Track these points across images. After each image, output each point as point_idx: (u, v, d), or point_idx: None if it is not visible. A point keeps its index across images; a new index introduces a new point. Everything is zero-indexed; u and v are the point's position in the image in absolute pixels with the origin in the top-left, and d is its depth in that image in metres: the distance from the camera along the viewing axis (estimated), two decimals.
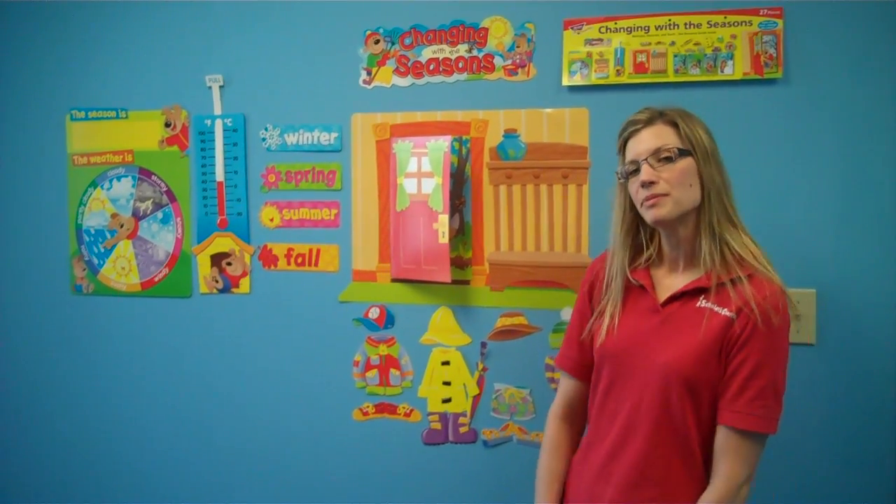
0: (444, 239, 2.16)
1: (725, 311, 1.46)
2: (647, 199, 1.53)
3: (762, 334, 1.43)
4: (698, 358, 1.47)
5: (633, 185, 1.57)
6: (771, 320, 1.43)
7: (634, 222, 1.65)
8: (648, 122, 1.56)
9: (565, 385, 1.79)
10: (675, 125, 1.54)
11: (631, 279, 1.63)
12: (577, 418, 1.79)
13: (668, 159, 1.52)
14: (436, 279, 2.21)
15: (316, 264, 2.38)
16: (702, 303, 1.50)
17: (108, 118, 2.52)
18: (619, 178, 1.63)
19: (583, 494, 1.65)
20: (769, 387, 1.43)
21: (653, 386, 1.52)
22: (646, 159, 1.53)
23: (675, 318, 1.53)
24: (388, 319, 2.34)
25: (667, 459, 1.52)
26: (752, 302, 1.44)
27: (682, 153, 1.52)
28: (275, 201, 2.40)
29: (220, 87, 2.41)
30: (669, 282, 1.58)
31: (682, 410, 1.49)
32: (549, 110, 2.18)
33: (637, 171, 1.55)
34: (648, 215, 1.55)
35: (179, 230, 2.48)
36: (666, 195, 1.52)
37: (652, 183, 1.52)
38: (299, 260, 2.39)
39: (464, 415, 2.30)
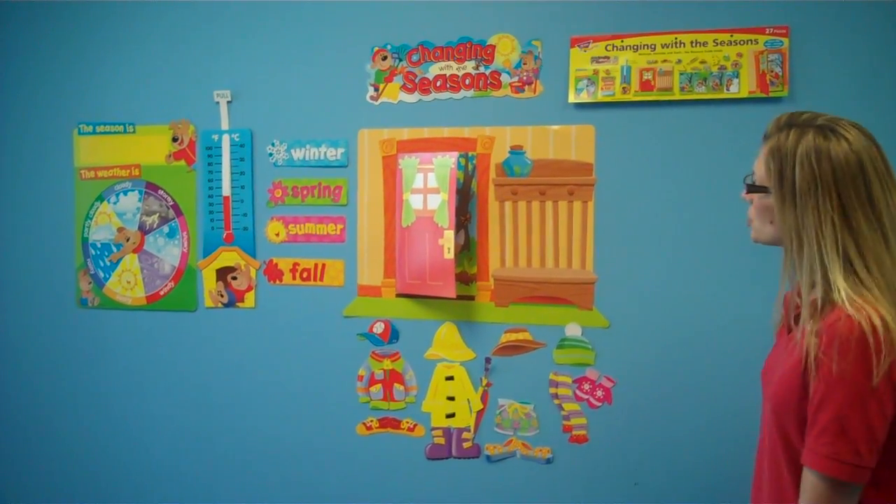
0: (450, 255, 2.16)
1: (812, 333, 1.29)
2: None
3: (828, 363, 1.25)
4: (786, 382, 1.35)
5: None
6: (835, 349, 1.24)
7: None
8: (765, 137, 1.44)
9: None
10: (774, 153, 1.39)
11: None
12: None
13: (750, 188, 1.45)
14: (441, 294, 2.21)
15: (321, 279, 2.38)
16: (808, 324, 1.33)
17: (115, 132, 2.53)
18: None
19: None
20: (834, 422, 1.25)
21: (765, 414, 1.46)
22: (746, 178, 1.48)
23: (793, 340, 1.39)
24: (392, 334, 2.34)
25: (768, 489, 1.45)
26: (824, 325, 1.27)
27: (755, 189, 1.44)
28: (281, 216, 2.40)
29: (228, 102, 2.42)
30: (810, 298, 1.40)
31: (775, 440, 1.40)
32: (555, 127, 2.19)
33: None
34: None
35: (185, 244, 2.49)
36: (752, 220, 1.47)
37: (751, 202, 1.47)
38: (304, 274, 2.39)
39: (467, 430, 2.30)
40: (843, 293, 1.28)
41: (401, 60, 2.29)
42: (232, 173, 2.43)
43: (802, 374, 1.30)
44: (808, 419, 1.30)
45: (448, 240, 2.16)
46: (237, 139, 2.42)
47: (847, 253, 1.30)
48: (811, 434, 1.28)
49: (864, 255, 1.30)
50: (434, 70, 2.27)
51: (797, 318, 1.39)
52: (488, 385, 2.28)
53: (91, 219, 2.57)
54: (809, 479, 1.29)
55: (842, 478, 1.25)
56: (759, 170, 1.42)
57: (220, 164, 2.44)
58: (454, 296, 2.19)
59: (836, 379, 1.24)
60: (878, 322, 1.24)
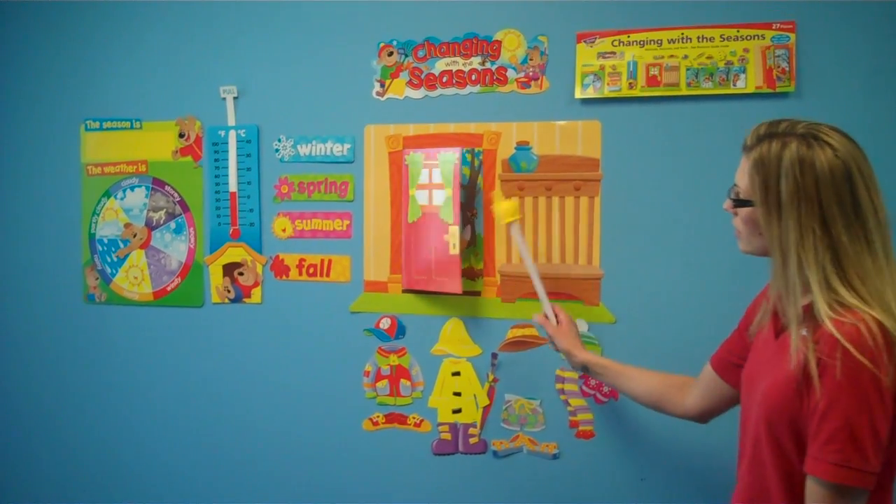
0: (455, 250, 2.16)
1: (811, 342, 1.30)
2: None
3: (834, 370, 1.24)
4: (779, 390, 1.34)
5: None
6: (839, 356, 1.24)
7: None
8: (746, 149, 1.44)
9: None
10: (758, 165, 1.38)
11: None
12: (682, 389, 1.82)
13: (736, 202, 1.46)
14: (446, 290, 2.21)
15: (327, 275, 2.39)
16: (802, 331, 1.34)
17: (122, 128, 2.53)
18: None
19: None
20: (843, 430, 1.23)
21: (752, 418, 1.45)
22: (730, 190, 1.48)
23: (782, 348, 1.39)
24: (399, 330, 2.35)
25: (748, 489, 1.46)
26: (829, 331, 1.26)
27: (740, 203, 1.44)
28: (287, 212, 2.41)
29: (234, 98, 2.42)
30: (788, 309, 1.42)
31: (763, 444, 1.40)
32: (561, 123, 2.19)
33: None
34: None
35: (192, 240, 2.50)
36: (740, 233, 1.49)
37: (736, 214, 1.48)
38: (311, 270, 2.40)
39: (474, 425, 2.30)
40: (831, 302, 1.29)
41: (407, 56, 2.29)
42: (238, 169, 2.43)
43: (799, 382, 1.30)
44: (808, 428, 1.29)
45: (453, 235, 2.16)
46: (243, 135, 2.42)
47: (824, 264, 1.30)
48: (816, 443, 1.27)
49: (843, 266, 1.30)
50: (440, 66, 2.27)
51: (784, 327, 1.40)
52: (495, 381, 2.28)
53: (98, 214, 2.57)
54: (818, 489, 1.28)
55: (853, 484, 1.25)
56: (743, 182, 1.43)
57: (227, 159, 2.44)
58: (459, 291, 2.19)
59: (843, 386, 1.24)
60: (875, 328, 1.24)
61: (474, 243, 2.26)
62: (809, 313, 1.33)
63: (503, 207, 2.06)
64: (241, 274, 2.45)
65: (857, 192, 1.32)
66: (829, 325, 1.27)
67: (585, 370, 1.98)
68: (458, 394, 2.31)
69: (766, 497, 1.40)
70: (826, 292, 1.30)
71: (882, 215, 1.34)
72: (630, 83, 2.11)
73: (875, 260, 1.32)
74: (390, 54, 2.31)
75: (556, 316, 2.07)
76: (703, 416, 1.80)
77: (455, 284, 2.19)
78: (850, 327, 1.25)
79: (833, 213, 1.31)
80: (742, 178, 1.43)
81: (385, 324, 2.35)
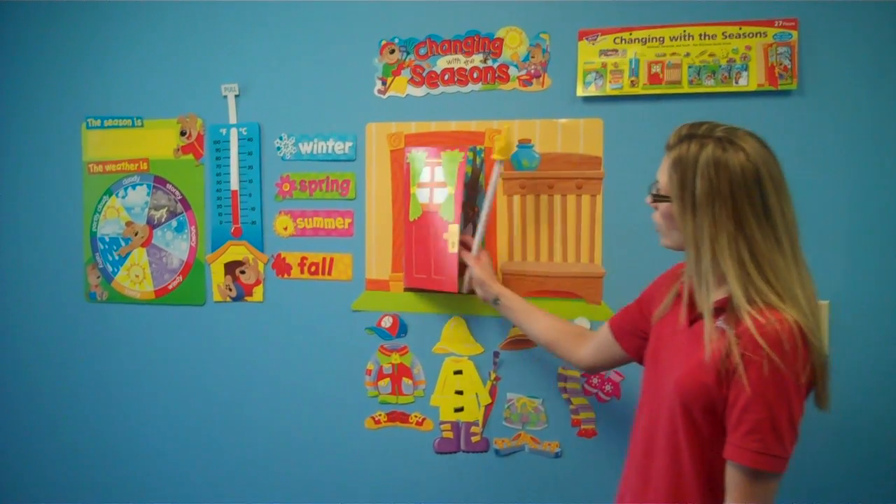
0: (454, 248, 2.16)
1: (732, 335, 1.40)
2: None
3: (757, 364, 1.35)
4: (695, 378, 1.44)
5: None
6: (768, 350, 1.35)
7: None
8: (668, 148, 1.54)
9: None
10: (676, 164, 1.48)
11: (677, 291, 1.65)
12: (578, 339, 1.98)
13: (655, 197, 1.56)
14: (445, 289, 2.20)
15: (329, 273, 2.38)
16: (719, 323, 1.44)
17: (123, 126, 2.53)
18: None
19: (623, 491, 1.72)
20: (765, 421, 1.35)
21: (664, 402, 1.52)
22: (651, 186, 1.59)
23: (696, 336, 1.49)
24: (400, 328, 2.35)
25: (662, 482, 1.54)
26: (752, 330, 1.37)
27: (659, 198, 1.55)
28: (289, 210, 2.40)
29: (236, 96, 2.42)
30: (701, 300, 1.51)
31: (679, 430, 1.48)
32: (563, 121, 2.18)
33: None
34: None
35: (193, 238, 2.49)
36: (659, 227, 1.59)
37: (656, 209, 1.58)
38: (313, 269, 2.40)
39: (476, 424, 2.30)
40: (749, 295, 1.41)
41: (408, 54, 2.29)
42: (240, 167, 2.43)
43: (719, 373, 1.41)
44: (728, 416, 1.41)
45: (452, 234, 2.16)
46: (245, 133, 2.42)
47: (742, 260, 1.41)
48: (738, 432, 1.38)
49: (758, 262, 1.41)
50: (442, 63, 2.27)
51: (698, 316, 1.50)
52: (497, 379, 2.28)
53: (99, 213, 2.57)
54: (739, 475, 1.40)
55: (774, 470, 1.38)
56: (663, 179, 1.53)
57: (228, 158, 2.44)
58: (456, 291, 2.18)
59: (766, 381, 1.36)
60: (795, 328, 1.37)
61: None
62: (728, 306, 1.44)
63: (501, 144, 2.12)
64: (242, 272, 2.45)
65: (767, 194, 1.42)
66: (749, 324, 1.37)
67: (496, 302, 2.11)
68: (459, 392, 2.31)
69: (681, 475, 1.50)
70: (743, 284, 1.41)
71: (790, 217, 1.45)
72: (632, 81, 2.11)
73: (784, 258, 1.43)
74: (392, 52, 2.30)
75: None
76: (593, 369, 2.02)
77: (451, 284, 2.18)
78: (772, 328, 1.36)
79: (746, 212, 1.41)
80: (662, 175, 1.53)
81: (387, 322, 2.35)
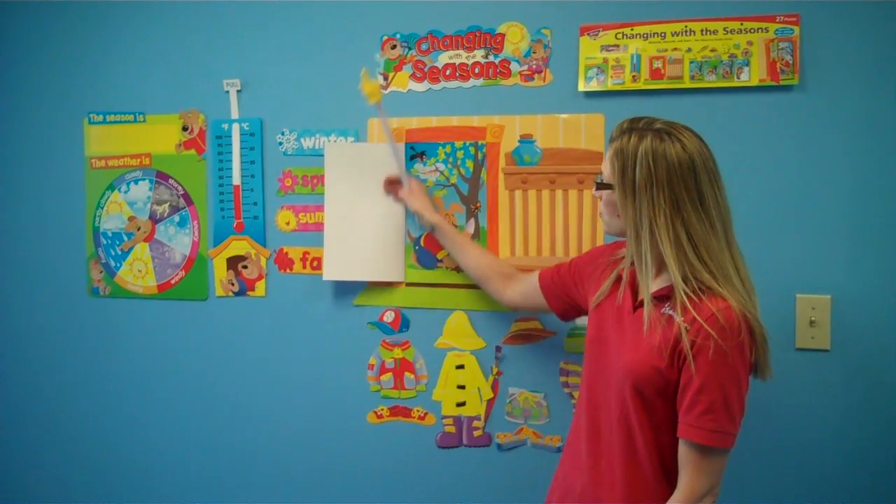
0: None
1: (681, 321, 1.49)
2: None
3: (708, 350, 1.45)
4: (647, 363, 1.53)
5: None
6: (718, 336, 1.45)
7: None
8: (610, 140, 1.63)
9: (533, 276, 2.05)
10: (617, 153, 1.58)
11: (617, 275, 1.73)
12: (507, 280, 2.12)
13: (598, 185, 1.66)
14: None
15: None
16: (666, 309, 1.54)
17: (125, 122, 2.53)
18: None
19: (560, 481, 1.82)
20: (719, 402, 1.46)
21: (613, 386, 1.61)
22: (596, 177, 1.70)
23: (641, 321, 1.58)
24: (402, 323, 2.35)
25: (616, 460, 1.61)
26: (700, 317, 1.47)
27: (602, 186, 1.64)
28: (291, 205, 2.41)
29: (238, 91, 2.42)
30: (649, 284, 1.61)
31: (630, 411, 1.56)
32: (564, 116, 2.18)
33: None
34: None
35: (196, 233, 2.50)
36: (602, 214, 1.69)
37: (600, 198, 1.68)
38: (315, 263, 2.40)
39: (478, 418, 2.31)
40: (688, 279, 1.50)
41: (410, 49, 2.29)
42: (242, 162, 2.44)
43: (672, 357, 1.50)
44: (681, 397, 1.51)
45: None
46: (247, 128, 2.43)
47: (679, 240, 1.50)
48: (693, 412, 1.48)
49: (695, 243, 1.51)
50: (443, 59, 2.27)
51: (642, 302, 1.59)
52: (499, 374, 2.29)
53: (102, 208, 2.57)
54: (693, 452, 1.50)
55: (726, 447, 1.50)
56: (606, 169, 1.63)
57: (231, 153, 2.44)
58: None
59: (717, 364, 1.46)
60: (738, 312, 1.47)
61: (478, 236, 2.26)
62: (672, 293, 1.53)
63: (369, 88, 2.18)
64: (245, 267, 2.46)
65: (701, 183, 1.52)
66: (696, 312, 1.47)
67: (433, 230, 2.23)
68: (462, 387, 2.31)
69: (634, 454, 1.58)
70: (680, 262, 1.51)
71: (723, 204, 1.55)
72: (633, 76, 2.11)
73: (718, 240, 1.52)
74: (393, 47, 2.30)
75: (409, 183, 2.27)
76: (515, 309, 2.19)
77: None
78: (717, 315, 1.46)
79: (682, 198, 1.50)
80: (605, 165, 1.64)
81: (389, 317, 2.36)
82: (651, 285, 1.57)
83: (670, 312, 1.53)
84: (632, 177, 1.53)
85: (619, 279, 1.71)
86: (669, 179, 1.50)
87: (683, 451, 1.51)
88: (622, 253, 1.74)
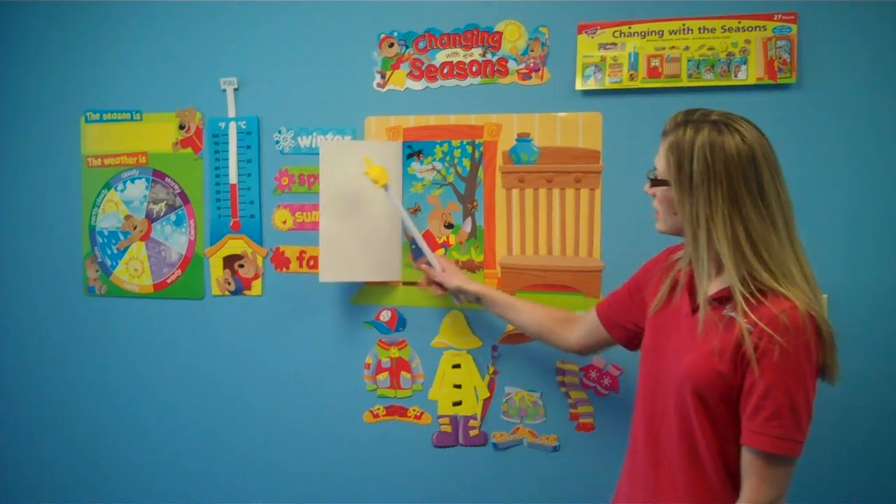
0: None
1: (743, 323, 1.41)
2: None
3: (773, 352, 1.38)
4: (708, 367, 1.45)
5: None
6: (783, 338, 1.37)
7: None
8: (664, 134, 1.56)
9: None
10: (673, 148, 1.51)
11: (673, 278, 1.66)
12: (568, 324, 2.00)
13: (653, 182, 1.58)
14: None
15: None
16: (727, 311, 1.47)
17: (122, 120, 2.53)
18: None
19: (622, 494, 1.75)
20: (785, 407, 1.38)
21: (672, 392, 1.53)
22: (649, 173, 1.60)
23: (702, 323, 1.50)
24: (399, 322, 2.35)
25: (677, 467, 1.54)
26: (763, 319, 1.39)
27: (657, 182, 1.56)
28: (287, 204, 2.40)
29: (235, 89, 2.42)
30: (706, 285, 1.53)
31: (692, 417, 1.49)
32: (562, 114, 2.18)
33: None
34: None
35: (192, 232, 2.49)
36: (658, 213, 1.61)
37: (654, 196, 1.60)
38: (311, 262, 2.39)
39: (474, 418, 2.30)
40: (746, 279, 1.43)
41: (407, 47, 2.29)
42: (239, 161, 2.43)
43: (732, 360, 1.43)
44: (745, 403, 1.43)
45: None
46: (244, 127, 2.42)
47: (738, 239, 1.43)
48: (757, 418, 1.40)
49: (753, 241, 1.43)
50: (441, 57, 2.27)
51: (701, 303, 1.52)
52: (495, 373, 2.28)
53: (98, 206, 2.57)
54: (758, 460, 1.41)
55: (793, 454, 1.41)
56: (660, 164, 1.55)
57: (227, 151, 2.44)
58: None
59: (783, 368, 1.38)
60: (803, 312, 1.39)
61: (475, 235, 2.26)
62: (731, 294, 1.45)
63: (374, 173, 2.15)
64: (241, 266, 2.45)
65: (762, 175, 1.44)
66: (759, 314, 1.40)
67: (478, 301, 2.12)
68: (458, 386, 2.31)
69: (698, 462, 1.50)
70: (737, 263, 1.43)
71: (784, 198, 1.47)
72: (631, 74, 2.11)
73: (779, 237, 1.45)
74: (391, 45, 2.30)
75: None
76: (584, 352, 2.01)
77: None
78: (781, 316, 1.38)
79: (741, 192, 1.43)
80: (659, 160, 1.55)
81: (385, 316, 2.35)
82: (710, 286, 1.50)
83: (731, 314, 1.45)
84: (689, 171, 1.47)
85: (675, 283, 1.64)
86: (728, 173, 1.43)
87: (747, 458, 1.43)
88: (677, 255, 1.68)
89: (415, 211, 2.30)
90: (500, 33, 2.22)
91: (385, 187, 2.15)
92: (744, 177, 1.43)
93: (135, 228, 2.54)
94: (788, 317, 1.38)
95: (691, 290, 1.57)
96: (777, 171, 1.47)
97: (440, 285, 2.19)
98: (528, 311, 2.06)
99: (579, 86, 2.15)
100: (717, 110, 1.52)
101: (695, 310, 1.54)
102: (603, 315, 1.89)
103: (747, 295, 1.42)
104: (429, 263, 2.21)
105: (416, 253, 2.29)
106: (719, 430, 1.47)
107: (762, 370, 1.39)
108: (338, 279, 2.32)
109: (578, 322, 1.98)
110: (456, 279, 2.15)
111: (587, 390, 2.22)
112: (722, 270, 1.48)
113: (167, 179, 2.51)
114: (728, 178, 1.43)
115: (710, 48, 2.05)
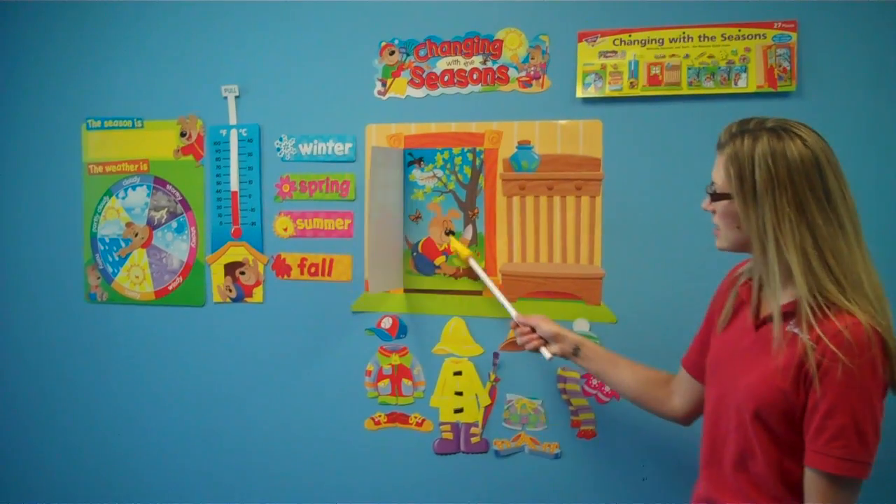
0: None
1: (806, 340, 1.36)
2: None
3: (836, 370, 1.32)
4: (771, 384, 1.41)
5: None
6: (846, 355, 1.32)
7: None
8: (719, 147, 1.51)
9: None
10: (732, 159, 1.45)
11: (736, 293, 1.62)
12: (667, 385, 1.87)
13: (713, 196, 1.53)
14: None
15: (329, 274, 2.38)
16: (790, 327, 1.42)
17: (123, 127, 2.54)
18: None
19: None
20: (849, 427, 1.32)
21: (733, 410, 1.49)
22: (707, 187, 1.55)
23: (764, 340, 1.47)
24: (400, 329, 2.35)
25: (739, 485, 1.50)
26: (826, 334, 1.34)
27: (718, 197, 1.51)
28: (289, 211, 2.41)
29: (236, 97, 2.42)
30: (770, 300, 1.48)
31: (752, 437, 1.45)
32: (562, 122, 2.18)
33: None
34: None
35: (193, 239, 2.50)
36: (718, 229, 1.55)
37: (714, 211, 1.54)
38: (312, 270, 2.40)
39: (475, 425, 2.30)
40: (814, 293, 1.37)
41: (408, 55, 2.29)
42: (240, 168, 2.44)
43: (796, 379, 1.38)
44: (808, 422, 1.38)
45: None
46: (245, 134, 2.42)
47: (805, 248, 1.38)
48: (820, 438, 1.35)
49: (821, 249, 1.38)
50: (441, 65, 2.27)
51: (766, 317, 1.47)
52: (496, 380, 2.28)
53: (99, 214, 2.57)
54: (822, 482, 1.36)
55: (858, 476, 1.35)
56: (719, 177, 1.50)
57: (229, 159, 2.44)
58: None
59: (847, 386, 1.32)
60: (868, 329, 1.33)
61: (476, 242, 2.26)
62: (797, 309, 1.40)
63: (461, 247, 2.20)
64: (242, 273, 2.45)
65: (827, 179, 1.39)
66: (824, 330, 1.34)
67: (576, 353, 1.96)
68: (459, 393, 2.31)
69: (758, 483, 1.46)
70: (805, 274, 1.38)
71: (850, 202, 1.42)
72: (631, 82, 2.11)
73: (847, 241, 1.39)
74: (392, 53, 2.30)
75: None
76: (691, 417, 1.84)
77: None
78: (844, 332, 1.32)
79: (807, 198, 1.38)
80: (718, 173, 1.50)
81: (387, 323, 2.35)
82: (779, 296, 1.43)
83: (795, 330, 1.40)
84: (751, 182, 1.41)
85: (739, 299, 1.59)
86: (792, 180, 1.38)
87: (810, 480, 1.38)
88: (741, 270, 1.64)
89: (415, 218, 2.30)
90: (501, 41, 2.22)
91: (468, 260, 2.20)
92: (809, 182, 1.38)
93: (136, 235, 2.55)
94: (852, 333, 1.33)
95: (753, 305, 1.54)
96: (841, 175, 1.42)
97: (532, 330, 2.02)
98: (628, 369, 1.92)
99: (580, 93, 2.15)
100: (772, 117, 1.47)
101: (757, 326, 1.51)
102: (690, 367, 1.79)
103: (815, 307, 1.37)
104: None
105: (417, 261, 2.30)
106: (782, 451, 1.43)
107: (824, 389, 1.34)
108: (384, 289, 2.32)
109: (673, 382, 1.86)
110: (552, 326, 1.99)
111: (588, 398, 2.21)
112: (787, 284, 1.43)
113: (168, 187, 2.51)
114: (793, 184, 1.38)
115: (711, 56, 2.05)
